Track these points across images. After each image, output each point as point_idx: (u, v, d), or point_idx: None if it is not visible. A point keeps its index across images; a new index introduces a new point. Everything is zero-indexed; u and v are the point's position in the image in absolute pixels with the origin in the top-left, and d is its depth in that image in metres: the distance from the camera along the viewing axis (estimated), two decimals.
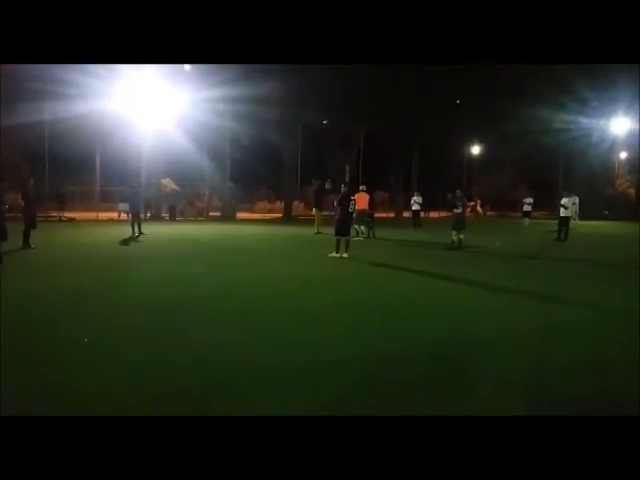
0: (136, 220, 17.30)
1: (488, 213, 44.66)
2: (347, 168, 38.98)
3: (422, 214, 28.33)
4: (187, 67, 28.76)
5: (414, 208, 25.82)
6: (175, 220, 28.82)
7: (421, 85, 35.72)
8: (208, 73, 26.08)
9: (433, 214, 38.84)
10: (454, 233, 15.35)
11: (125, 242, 15.47)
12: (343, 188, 13.00)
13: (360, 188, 17.87)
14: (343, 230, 12.49)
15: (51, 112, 25.56)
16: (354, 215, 13.56)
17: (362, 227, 17.82)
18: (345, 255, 12.25)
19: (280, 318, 6.46)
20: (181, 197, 32.18)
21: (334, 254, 12.33)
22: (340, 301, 7.59)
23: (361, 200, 16.85)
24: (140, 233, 17.07)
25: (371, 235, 18.21)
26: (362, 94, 31.78)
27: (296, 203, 36.39)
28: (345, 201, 12.56)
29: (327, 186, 21.67)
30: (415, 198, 25.85)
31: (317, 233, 19.55)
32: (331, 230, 14.41)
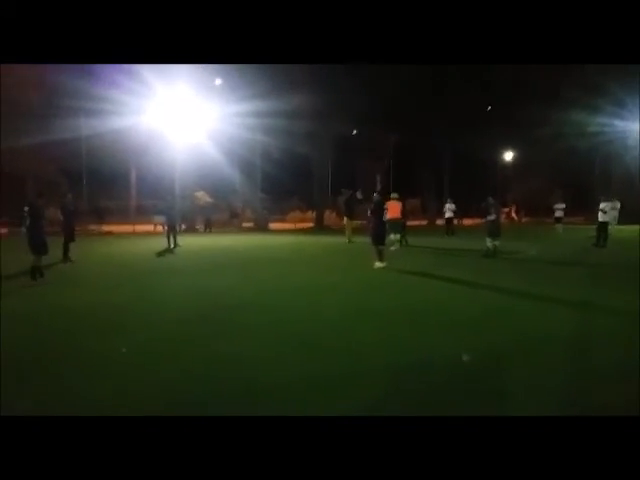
0: (172, 232, 17.58)
1: (524, 219, 43.89)
2: (378, 177, 38.97)
3: (455, 221, 28.03)
4: (218, 82, 29.29)
5: (447, 215, 25.63)
6: (211, 232, 29.23)
7: (451, 92, 35.54)
8: (238, 87, 26.53)
9: (467, 221, 38.38)
10: (488, 240, 15.11)
11: (162, 254, 15.76)
12: (375, 197, 12.89)
13: (392, 196, 17.46)
14: (379, 238, 12.21)
15: (87, 128, 26.34)
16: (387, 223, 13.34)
17: (397, 235, 17.40)
18: (380, 264, 12.00)
19: (314, 327, 6.47)
20: (216, 209, 32.64)
21: (379, 264, 11.99)
22: (373, 309, 7.56)
23: (394, 208, 16.60)
24: (176, 245, 17.34)
25: (404, 243, 18.05)
26: (391, 103, 31.75)
27: (327, 213, 36.49)
28: (378, 209, 12.42)
29: (358, 196, 21.63)
30: (448, 205, 25.66)
31: (349, 242, 19.57)
32: (362, 239, 14.43)
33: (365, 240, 16.18)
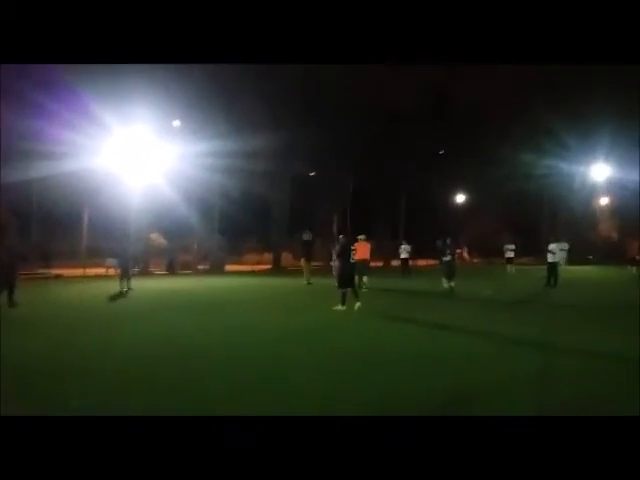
0: (125, 276, 17.17)
1: (475, 260, 44.98)
2: (335, 218, 39.36)
3: (410, 262, 28.44)
4: (176, 123, 29.31)
5: (402, 256, 26.00)
6: (174, 274, 28.72)
7: (406, 135, 36.65)
8: (197, 128, 26.59)
9: (421, 262, 38.99)
10: (445, 281, 15.40)
11: (114, 298, 15.30)
12: (341, 238, 12.78)
13: (359, 237, 17.11)
14: (346, 281, 11.91)
15: (39, 170, 25.68)
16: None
17: (364, 277, 16.90)
18: (359, 304, 11.67)
19: (271, 367, 6.37)
20: (175, 251, 32.09)
21: (339, 307, 11.64)
22: (334, 350, 7.50)
23: (362, 249, 16.40)
24: (129, 288, 16.91)
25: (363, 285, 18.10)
26: (349, 146, 32.45)
27: (285, 254, 36.42)
28: (345, 251, 12.21)
29: (306, 237, 21.60)
30: (404, 246, 26.07)
31: (308, 284, 19.52)
32: (323, 280, 14.38)
33: (325, 282, 16.24)
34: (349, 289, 11.90)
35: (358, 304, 11.67)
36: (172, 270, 29.66)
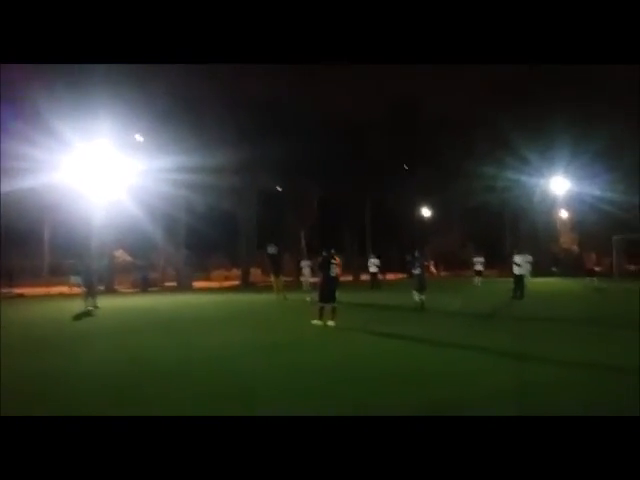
0: (90, 293, 16.69)
1: (442, 273, 45.51)
2: (302, 233, 39.34)
3: (380, 276, 28.58)
4: (139, 138, 28.90)
5: (372, 270, 26.07)
6: (146, 291, 28.12)
7: (370, 149, 37.07)
8: (160, 143, 26.27)
9: (390, 276, 39.24)
10: (415, 294, 15.42)
11: (79, 317, 14.84)
12: (323, 253, 12.57)
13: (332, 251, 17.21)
14: (327, 296, 11.70)
15: None
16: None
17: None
18: (331, 323, 11.49)
19: (239, 383, 6.20)
20: (147, 268, 31.46)
21: (316, 321, 11.52)
22: (308, 367, 7.38)
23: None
24: (95, 307, 16.43)
25: None
26: (315, 160, 32.57)
27: (253, 270, 36.17)
28: (326, 265, 12.05)
29: (270, 250, 21.45)
30: (372, 260, 26.16)
31: (284, 299, 19.18)
32: (293, 295, 14.26)
33: (295, 297, 16.08)
34: (329, 304, 11.69)
35: (332, 323, 11.50)
36: (145, 287, 29.08)
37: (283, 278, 20.95)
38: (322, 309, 11.63)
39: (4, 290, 24.51)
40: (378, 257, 26.52)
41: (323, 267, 12.16)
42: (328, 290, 11.78)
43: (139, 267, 32.00)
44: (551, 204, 42.96)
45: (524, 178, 38.80)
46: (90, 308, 16.22)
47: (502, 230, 45.08)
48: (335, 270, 12.09)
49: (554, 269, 39.85)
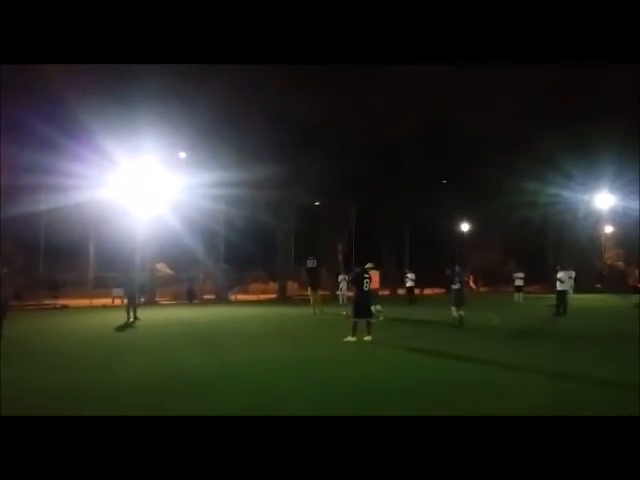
0: (132, 305, 17.13)
1: (481, 288, 44.76)
2: (339, 247, 39.41)
3: (417, 290, 28.35)
4: (182, 155, 29.65)
5: (408, 285, 25.90)
6: (192, 303, 28.77)
7: (408, 165, 37.00)
8: (202, 159, 26.86)
9: (427, 291, 38.82)
10: (454, 310, 15.27)
11: (121, 328, 15.25)
12: (356, 268, 12.51)
13: (367, 266, 17.20)
14: (360, 311, 11.59)
15: (47, 202, 25.91)
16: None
17: (377, 306, 16.09)
18: (368, 338, 11.33)
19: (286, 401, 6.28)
20: (193, 280, 32.03)
21: (350, 338, 11.31)
22: (346, 385, 7.41)
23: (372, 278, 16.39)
24: (136, 318, 16.86)
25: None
26: (352, 175, 32.70)
27: (290, 283, 36.38)
28: (359, 280, 11.99)
29: (310, 264, 21.56)
30: (409, 275, 25.99)
31: (321, 312, 19.26)
32: (330, 309, 14.27)
33: (332, 311, 16.12)
34: (363, 319, 11.63)
35: (368, 337, 11.44)
36: (191, 299, 29.65)
37: (320, 292, 21.01)
38: (355, 324, 11.53)
39: (49, 301, 25.36)
40: (414, 272, 26.34)
41: (356, 282, 12.13)
42: (362, 305, 11.71)
43: (185, 279, 32.64)
44: (596, 219, 41.89)
45: (568, 194, 38.09)
46: (132, 319, 16.64)
47: (545, 246, 44.13)
48: (369, 285, 12.01)
49: (598, 285, 38.77)
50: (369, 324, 11.66)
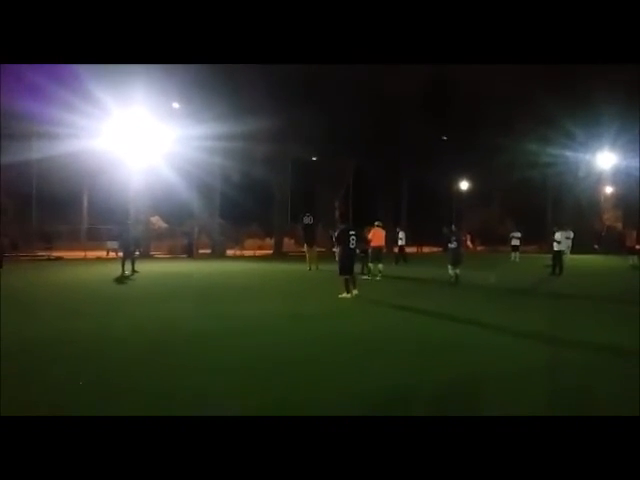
0: (128, 258, 16.89)
1: (478, 248, 44.70)
2: (336, 204, 39.09)
3: (413, 249, 28.16)
4: (176, 105, 28.89)
5: (399, 244, 25.64)
6: (192, 257, 28.56)
7: (408, 122, 36.25)
8: (197, 110, 26.19)
9: (425, 249, 38.80)
10: (450, 268, 15.12)
11: (117, 281, 15.09)
12: (341, 225, 12.44)
13: (375, 223, 16.93)
14: (346, 268, 11.58)
15: (39, 151, 25.41)
16: (357, 251, 12.70)
17: (380, 265, 16.46)
18: (355, 292, 11.46)
19: (280, 354, 6.14)
20: (192, 234, 31.67)
21: (345, 294, 11.38)
22: (342, 339, 7.27)
23: (378, 236, 16.28)
24: (134, 271, 16.63)
25: (365, 271, 17.74)
26: (350, 131, 32.06)
27: (286, 239, 36.19)
28: (344, 237, 11.81)
29: (306, 221, 21.34)
30: (399, 234, 25.68)
31: (310, 270, 19.26)
32: (327, 267, 14.16)
33: (329, 268, 16.01)
34: (349, 276, 11.64)
35: (355, 292, 11.52)
36: (191, 253, 29.43)
37: (316, 249, 20.81)
38: (347, 281, 11.53)
39: (43, 252, 25.17)
40: (404, 231, 25.98)
41: (342, 240, 11.90)
42: (347, 262, 11.65)
43: (180, 234, 32.34)
44: (596, 180, 41.47)
45: (569, 153, 37.46)
46: (127, 273, 16.44)
47: (544, 206, 43.83)
48: (354, 242, 11.86)
49: (595, 246, 38.68)
50: (354, 280, 11.75)
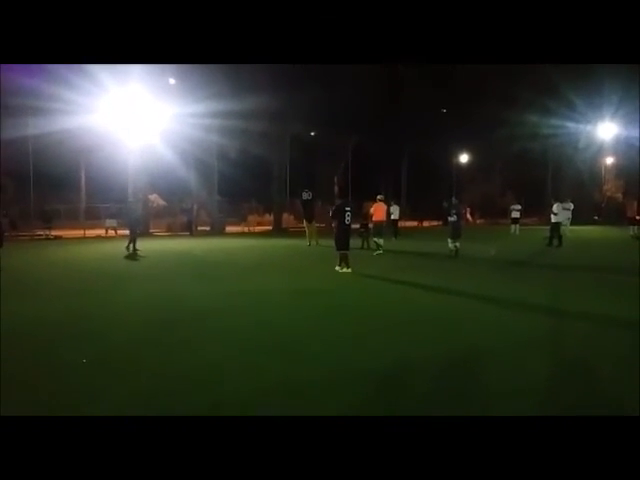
0: (133, 236, 16.79)
1: (478, 221, 44.62)
2: (335, 179, 38.87)
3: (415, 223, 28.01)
4: (172, 81, 28.51)
5: (392, 217, 25.47)
6: (193, 235, 28.44)
7: (406, 95, 35.83)
8: (194, 87, 25.84)
9: (425, 223, 38.72)
10: (450, 241, 15.10)
11: (120, 259, 15.09)
12: (337, 201, 12.43)
13: (377, 198, 16.84)
14: (342, 244, 11.76)
15: (35, 128, 25.15)
16: (351, 226, 12.60)
17: (380, 240, 16.28)
18: (348, 270, 11.60)
19: (283, 331, 6.15)
20: (192, 211, 31.45)
21: (338, 268, 11.69)
22: (343, 314, 7.29)
23: (379, 210, 16.23)
24: (135, 250, 16.56)
25: (365, 246, 17.75)
26: (348, 106, 31.67)
27: (285, 215, 36.08)
28: (340, 213, 11.88)
29: (305, 196, 21.24)
30: (391, 208, 25.51)
31: (309, 245, 19.27)
32: (328, 242, 14.15)
33: (328, 243, 15.94)
34: (346, 252, 11.78)
35: (348, 269, 11.63)
36: (191, 230, 29.33)
37: (316, 224, 20.76)
38: (343, 256, 11.73)
39: (41, 232, 25.12)
40: (397, 205, 25.79)
41: (337, 215, 11.93)
42: (343, 238, 11.77)
43: (179, 211, 32.19)
44: (597, 150, 41.12)
45: (569, 124, 37.06)
46: (138, 250, 16.37)
47: (544, 178, 43.58)
48: (350, 218, 11.93)
49: (596, 217, 38.61)
50: (347, 256, 11.79)
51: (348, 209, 12.00)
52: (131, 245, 16.57)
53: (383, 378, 4.67)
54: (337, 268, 11.72)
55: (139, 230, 23.06)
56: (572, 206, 25.28)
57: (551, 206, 19.62)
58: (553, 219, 19.17)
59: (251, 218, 37.02)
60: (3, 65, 21.26)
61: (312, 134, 36.43)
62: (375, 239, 16.31)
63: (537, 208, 39.25)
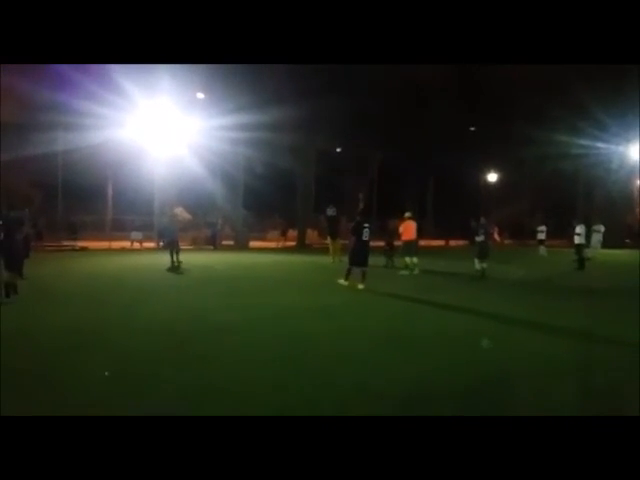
0: (174, 248, 16.63)
1: (506, 241, 43.78)
2: (360, 196, 38.69)
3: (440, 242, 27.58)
4: (200, 95, 28.80)
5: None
6: (216, 249, 28.49)
7: (435, 112, 35.55)
8: (221, 101, 26.04)
9: (451, 242, 38.17)
10: (477, 262, 14.71)
11: (173, 271, 15.28)
12: (357, 218, 12.53)
13: (406, 215, 16.35)
14: (357, 259, 11.80)
15: (66, 142, 25.60)
16: (370, 244, 12.45)
17: (414, 259, 15.73)
18: (361, 286, 11.49)
19: (303, 348, 6.06)
20: (216, 225, 31.51)
21: (342, 281, 11.79)
22: (363, 333, 7.04)
23: (409, 229, 15.76)
24: (179, 262, 16.34)
25: (389, 265, 17.42)
26: (376, 122, 31.56)
27: (309, 231, 35.93)
28: (358, 229, 11.94)
29: (330, 212, 21.03)
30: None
31: (333, 262, 18.95)
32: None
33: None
34: (358, 268, 11.82)
35: (361, 286, 11.59)
36: (215, 244, 29.35)
37: (340, 241, 20.50)
38: (349, 271, 11.85)
39: (68, 243, 25.41)
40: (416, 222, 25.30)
41: (356, 232, 12.04)
42: (359, 254, 11.85)
43: (204, 225, 32.32)
44: (629, 172, 40.12)
45: (601, 145, 36.29)
46: (176, 263, 16.22)
47: (575, 199, 42.68)
48: (368, 235, 11.98)
49: (627, 241, 37.55)
50: (364, 273, 11.78)
51: (367, 225, 12.12)
52: (175, 257, 16.34)
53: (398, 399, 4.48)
54: (340, 281, 11.84)
55: (162, 243, 23.08)
56: (603, 228, 24.62)
57: (573, 228, 19.22)
58: (576, 240, 18.79)
59: (275, 233, 36.96)
60: (33, 81, 21.77)
61: (338, 150, 36.38)
62: (407, 258, 15.83)
63: (567, 229, 38.34)
